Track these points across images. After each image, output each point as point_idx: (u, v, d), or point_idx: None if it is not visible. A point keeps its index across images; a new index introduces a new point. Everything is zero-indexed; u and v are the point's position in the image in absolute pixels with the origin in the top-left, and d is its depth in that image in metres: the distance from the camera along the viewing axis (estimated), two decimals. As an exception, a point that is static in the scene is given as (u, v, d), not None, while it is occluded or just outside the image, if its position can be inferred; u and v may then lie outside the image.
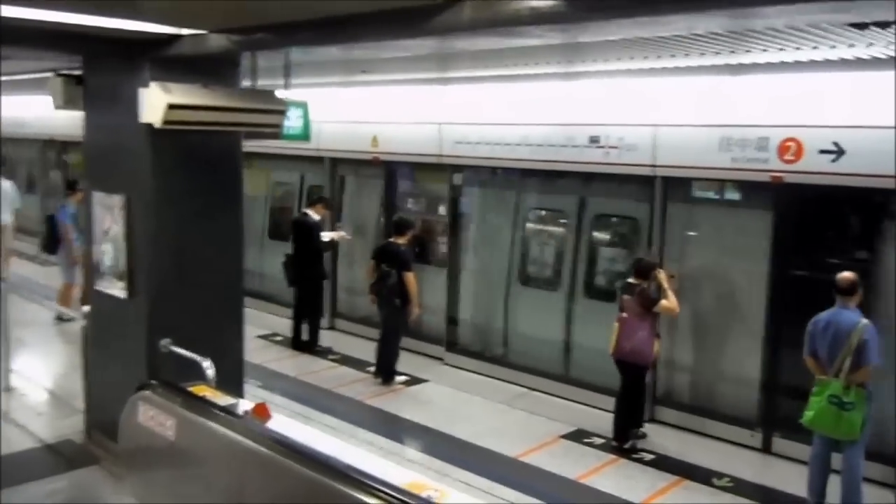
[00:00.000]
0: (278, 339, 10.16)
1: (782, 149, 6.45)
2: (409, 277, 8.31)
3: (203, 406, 4.77)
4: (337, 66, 7.89)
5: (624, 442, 6.91)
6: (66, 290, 10.52)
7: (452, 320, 9.40)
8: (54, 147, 17.09)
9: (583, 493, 6.11)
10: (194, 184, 6.00)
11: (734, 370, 7.26)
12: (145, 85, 5.54)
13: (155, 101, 5.41)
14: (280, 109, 6.01)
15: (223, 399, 5.01)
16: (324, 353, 9.73)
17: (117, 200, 5.98)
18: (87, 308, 6.78)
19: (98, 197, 6.21)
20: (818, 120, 6.25)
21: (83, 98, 6.32)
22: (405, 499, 3.45)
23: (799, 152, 6.36)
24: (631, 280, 6.81)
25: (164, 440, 4.80)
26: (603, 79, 7.37)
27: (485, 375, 8.88)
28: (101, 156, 6.25)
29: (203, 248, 6.11)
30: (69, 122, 14.64)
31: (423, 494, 3.55)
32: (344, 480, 3.68)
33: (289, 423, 4.84)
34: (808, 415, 5.73)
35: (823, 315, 5.77)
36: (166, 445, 4.80)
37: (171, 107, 5.36)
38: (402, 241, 8.44)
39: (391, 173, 10.04)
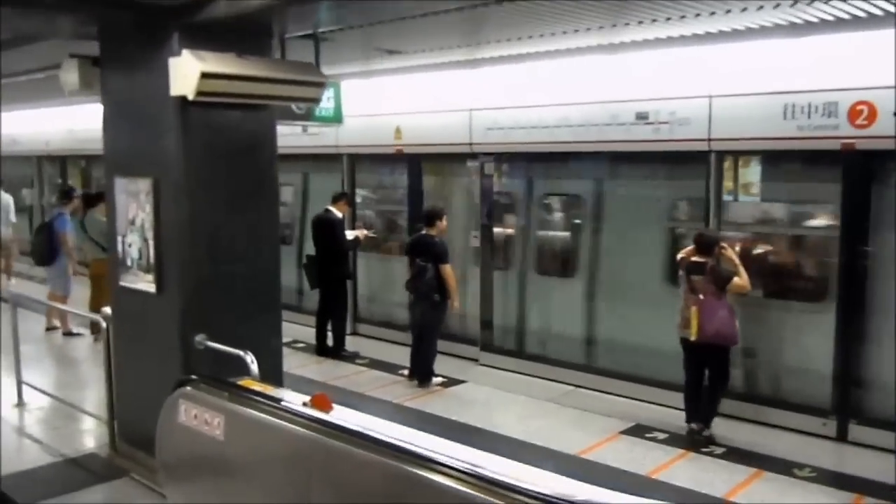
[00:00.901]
0: (300, 345, 9.64)
1: (853, 113, 6.03)
2: (448, 270, 7.84)
3: (256, 400, 4.27)
4: (359, 50, 7.42)
5: (706, 428, 6.44)
6: (58, 302, 9.93)
7: (487, 323, 8.93)
8: (51, 164, 16.57)
9: (660, 489, 5.59)
10: (228, 166, 5.51)
11: (803, 356, 6.81)
12: (175, 54, 5.08)
13: (187, 71, 4.94)
14: (319, 81, 5.55)
15: (275, 392, 4.57)
16: (350, 357, 9.21)
17: (144, 185, 5.49)
18: (107, 309, 6.27)
19: (121, 183, 5.71)
20: (891, 80, 5.84)
21: (101, 78, 5.86)
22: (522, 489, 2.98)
23: (872, 116, 5.95)
24: (695, 258, 6.34)
25: (211, 441, 4.29)
26: (648, 50, 6.92)
27: (524, 374, 8.42)
28: (123, 139, 5.76)
29: (238, 236, 5.61)
30: (67, 136, 14.44)
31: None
32: (444, 472, 3.19)
33: (353, 414, 4.38)
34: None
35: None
36: (215, 446, 4.29)
37: (205, 76, 4.90)
38: (434, 232, 7.97)
39: (415, 165, 9.63)
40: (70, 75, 5.93)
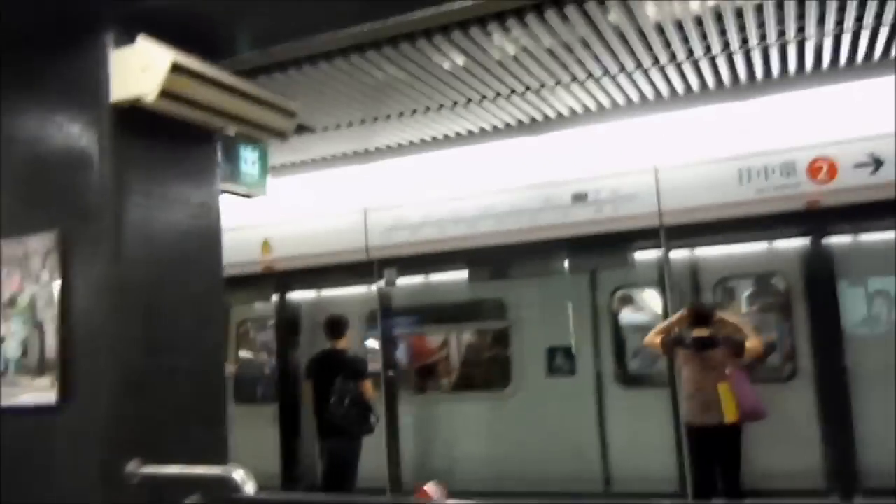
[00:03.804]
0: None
1: (813, 170, 6.02)
2: (369, 386, 6.46)
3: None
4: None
5: None
6: None
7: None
8: None
9: None
10: (168, 213, 3.96)
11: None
12: (109, 48, 3.64)
13: (148, 62, 3.51)
14: (290, 110, 4.29)
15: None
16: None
17: (40, 244, 3.70)
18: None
19: (-7, 250, 3.85)
20: (848, 133, 5.94)
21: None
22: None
23: (832, 171, 5.96)
24: (698, 332, 5.69)
25: None
26: (582, 125, 6.54)
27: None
28: (8, 184, 3.95)
29: (181, 312, 3.97)
30: None
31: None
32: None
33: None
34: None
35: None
36: None
37: (177, 69, 3.51)
38: (342, 344, 6.63)
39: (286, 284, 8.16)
40: None
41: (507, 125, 6.60)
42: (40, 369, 3.66)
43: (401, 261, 7.40)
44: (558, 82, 5.70)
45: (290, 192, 7.79)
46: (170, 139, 3.93)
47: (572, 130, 6.60)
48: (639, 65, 5.46)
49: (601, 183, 6.59)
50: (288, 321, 8.25)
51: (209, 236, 4.22)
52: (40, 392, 3.64)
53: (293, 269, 7.88)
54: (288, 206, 7.84)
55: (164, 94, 3.51)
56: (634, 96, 6.10)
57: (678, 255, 6.70)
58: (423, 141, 7.00)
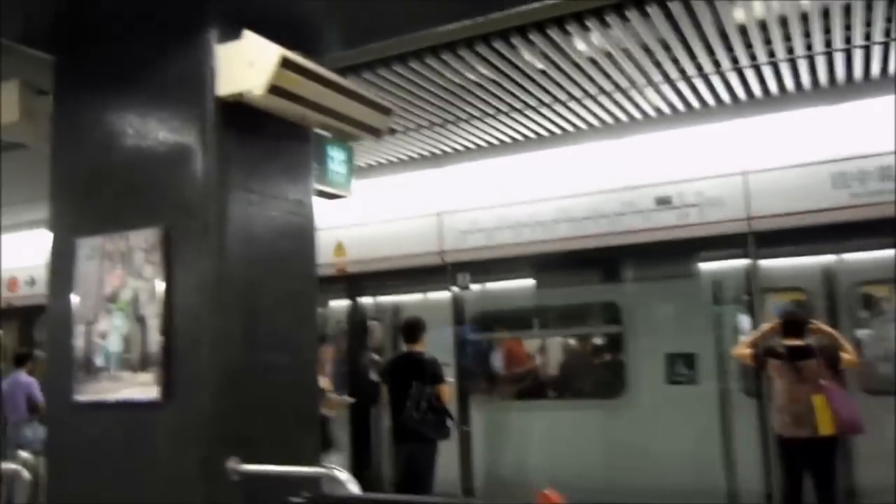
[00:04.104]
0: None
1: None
2: (447, 391, 6.36)
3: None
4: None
5: None
6: None
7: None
8: None
9: None
10: (266, 212, 3.93)
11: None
12: (213, 43, 3.63)
13: (257, 57, 3.49)
14: (385, 107, 4.25)
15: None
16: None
17: (141, 239, 3.70)
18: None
19: (91, 246, 3.85)
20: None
21: (55, 103, 4.11)
22: None
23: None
24: (791, 342, 5.48)
25: None
26: (669, 127, 6.40)
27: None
28: (99, 181, 3.97)
29: (279, 310, 3.94)
30: None
31: None
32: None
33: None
34: None
35: None
36: None
37: (287, 64, 3.48)
38: (419, 347, 6.55)
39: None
40: (7, 102, 4.15)
41: (591, 125, 6.49)
42: (142, 365, 3.65)
43: (504, 262, 7.21)
44: (649, 81, 5.57)
45: (365, 194, 7.76)
46: (267, 135, 3.92)
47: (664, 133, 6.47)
48: (735, 63, 5.31)
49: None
50: (360, 324, 8.22)
51: (304, 234, 4.19)
52: (142, 387, 3.64)
53: (367, 272, 7.83)
54: (362, 209, 7.80)
55: (271, 89, 3.48)
56: (726, 97, 5.95)
57: (806, 261, 6.43)
58: (501, 142, 6.93)
